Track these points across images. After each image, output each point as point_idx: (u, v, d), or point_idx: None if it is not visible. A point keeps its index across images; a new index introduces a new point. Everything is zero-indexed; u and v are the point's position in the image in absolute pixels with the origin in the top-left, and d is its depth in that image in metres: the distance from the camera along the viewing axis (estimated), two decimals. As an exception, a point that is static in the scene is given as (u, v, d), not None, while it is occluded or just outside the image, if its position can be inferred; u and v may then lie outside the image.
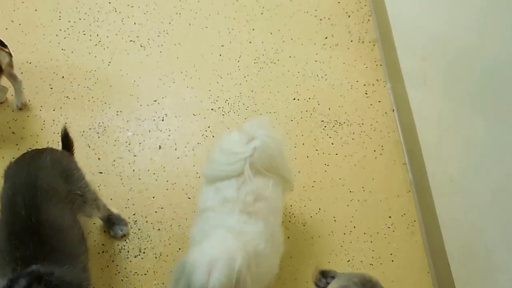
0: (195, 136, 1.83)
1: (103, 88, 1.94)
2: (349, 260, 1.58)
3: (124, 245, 1.57)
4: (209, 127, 1.85)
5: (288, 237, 1.61)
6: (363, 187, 1.73)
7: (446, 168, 1.48)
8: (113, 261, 1.54)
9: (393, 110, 1.92)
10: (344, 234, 1.63)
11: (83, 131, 1.81)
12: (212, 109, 1.90)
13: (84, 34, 2.10)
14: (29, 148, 1.75)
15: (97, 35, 2.09)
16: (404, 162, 1.79)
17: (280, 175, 1.28)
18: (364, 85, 1.99)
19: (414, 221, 1.65)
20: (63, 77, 1.97)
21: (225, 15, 2.18)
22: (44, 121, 1.84)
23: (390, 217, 1.67)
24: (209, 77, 1.99)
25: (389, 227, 1.64)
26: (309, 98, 1.94)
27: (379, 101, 1.94)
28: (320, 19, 2.19)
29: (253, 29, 2.14)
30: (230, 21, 2.16)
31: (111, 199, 1.65)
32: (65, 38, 2.08)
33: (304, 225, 1.64)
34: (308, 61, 2.05)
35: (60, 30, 2.10)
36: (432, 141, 1.60)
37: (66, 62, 2.01)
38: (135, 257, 1.55)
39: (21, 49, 2.03)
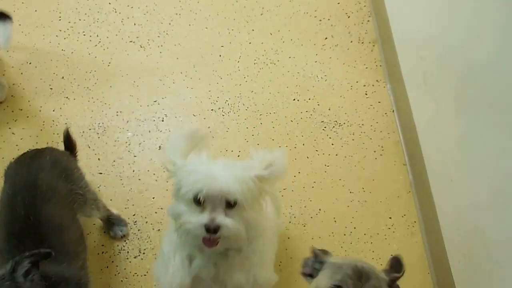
0: (195, 137, 1.82)
1: (103, 88, 1.94)
2: (349, 261, 1.57)
3: (124, 246, 1.57)
4: (209, 127, 1.85)
5: (289, 238, 1.60)
6: (363, 188, 1.73)
7: (447, 169, 1.48)
8: (112, 261, 1.54)
9: (393, 111, 1.92)
10: (344, 235, 1.63)
11: (83, 132, 1.81)
12: (212, 110, 1.90)
13: (84, 35, 2.10)
14: (29, 149, 1.74)
15: (97, 35, 2.09)
16: (404, 163, 1.78)
17: None
18: (364, 85, 1.99)
19: (415, 222, 1.65)
20: (63, 77, 1.96)
21: (225, 16, 2.18)
22: (43, 121, 1.84)
23: (390, 218, 1.66)
24: (209, 77, 1.99)
25: (389, 228, 1.64)
26: (309, 99, 1.94)
27: (379, 102, 1.94)
28: (320, 20, 2.19)
29: (253, 30, 2.14)
30: (230, 21, 2.16)
31: (111, 200, 1.65)
32: (65, 38, 2.08)
33: (304, 226, 1.63)
34: (308, 62, 2.05)
35: (60, 30, 2.11)
36: (433, 142, 1.60)
37: (66, 63, 2.01)
38: (135, 257, 1.55)
39: (21, 50, 2.03)
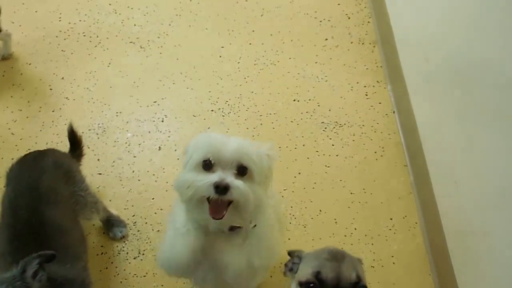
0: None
1: (103, 89, 1.94)
2: (350, 262, 1.56)
3: (123, 247, 1.56)
4: (209, 128, 1.84)
5: (289, 239, 1.59)
6: (364, 189, 1.72)
7: (450, 170, 1.47)
8: (112, 262, 1.53)
9: (394, 112, 1.91)
10: (345, 236, 1.62)
11: (83, 132, 1.80)
12: (212, 110, 1.89)
13: (84, 36, 2.10)
14: (28, 149, 1.74)
15: (97, 36, 2.09)
16: (405, 164, 1.78)
17: None
18: (365, 86, 1.98)
19: (416, 223, 1.64)
20: (62, 78, 1.96)
21: (225, 17, 2.18)
22: (43, 122, 1.83)
23: (391, 219, 1.65)
24: (209, 78, 1.98)
25: (390, 229, 1.63)
26: (309, 100, 1.94)
27: (380, 103, 1.94)
28: (320, 21, 2.19)
29: (253, 31, 2.14)
30: (230, 22, 2.16)
31: (110, 200, 1.64)
32: (65, 39, 2.08)
33: (305, 227, 1.62)
34: (308, 63, 2.05)
35: (60, 31, 2.10)
36: (436, 143, 1.59)
37: (66, 63, 2.00)
38: (134, 258, 1.54)
39: (21, 50, 2.03)
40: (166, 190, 1.68)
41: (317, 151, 1.80)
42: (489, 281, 1.25)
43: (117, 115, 1.86)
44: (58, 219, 1.18)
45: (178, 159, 1.65)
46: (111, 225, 1.55)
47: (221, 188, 0.90)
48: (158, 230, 1.59)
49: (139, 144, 1.79)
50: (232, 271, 1.04)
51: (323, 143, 1.82)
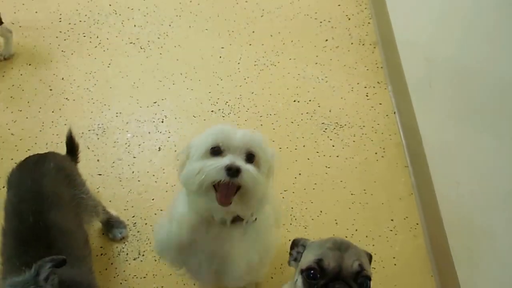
0: (195, 138, 1.81)
1: (103, 89, 1.93)
2: (350, 263, 1.55)
3: (123, 248, 1.55)
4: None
5: (290, 240, 1.58)
6: (364, 190, 1.71)
7: (452, 171, 1.47)
8: (112, 263, 1.52)
9: (395, 112, 1.91)
10: (346, 237, 1.60)
11: (82, 133, 1.80)
12: (212, 111, 1.89)
13: (84, 36, 2.09)
14: (28, 150, 1.74)
15: (97, 37, 2.09)
16: (406, 165, 1.77)
17: None
18: (365, 87, 1.98)
19: (417, 224, 1.63)
20: (62, 78, 1.96)
21: (225, 18, 2.18)
22: (43, 122, 1.83)
23: (392, 220, 1.65)
24: (209, 79, 1.98)
25: (391, 230, 1.62)
26: (310, 100, 1.93)
27: (380, 104, 1.94)
28: (320, 22, 2.19)
29: (253, 32, 2.14)
30: (230, 23, 2.16)
31: (110, 201, 1.64)
32: (65, 40, 2.08)
33: (305, 228, 1.62)
34: (308, 63, 2.04)
35: (60, 32, 2.10)
36: (437, 144, 1.59)
37: (66, 64, 2.00)
38: (134, 259, 1.53)
39: (21, 51, 2.03)
40: (166, 191, 1.67)
41: (317, 152, 1.80)
42: (491, 282, 1.25)
43: (117, 116, 1.86)
44: (63, 222, 1.19)
45: (178, 160, 1.65)
46: (110, 226, 1.55)
47: (233, 171, 0.90)
48: (158, 231, 1.59)
49: (139, 145, 1.79)
50: (231, 264, 1.04)
51: (323, 144, 1.82)
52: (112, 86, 1.94)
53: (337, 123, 1.87)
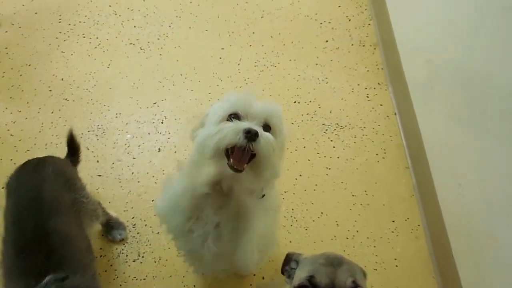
0: (195, 139, 1.81)
1: (103, 90, 1.92)
2: (351, 265, 1.55)
3: (122, 249, 1.54)
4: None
5: (290, 242, 1.58)
6: (365, 191, 1.70)
7: (454, 172, 1.46)
8: (111, 265, 1.51)
9: (395, 114, 1.90)
10: (347, 238, 1.60)
11: (82, 134, 1.79)
12: (212, 112, 1.88)
13: (84, 37, 2.09)
14: (27, 150, 1.73)
15: (97, 37, 2.09)
16: (407, 166, 1.76)
17: None
18: (366, 88, 1.98)
19: (418, 225, 1.63)
20: (62, 79, 1.95)
21: (225, 19, 2.17)
22: (42, 123, 1.82)
23: (393, 221, 1.64)
24: (209, 80, 1.97)
25: (392, 232, 1.62)
26: (310, 101, 1.93)
27: (381, 105, 1.93)
28: (321, 23, 2.18)
29: (253, 33, 2.13)
30: (230, 24, 2.16)
31: (109, 202, 1.63)
32: (65, 40, 2.07)
33: (306, 229, 1.61)
34: (308, 65, 2.04)
35: (60, 32, 2.10)
36: (439, 145, 1.58)
37: (66, 64, 1.99)
38: (134, 261, 1.52)
39: (21, 52, 2.02)
40: (166, 192, 1.66)
41: (318, 153, 1.79)
42: (494, 284, 1.24)
43: (116, 117, 1.85)
44: (64, 229, 1.16)
45: (178, 161, 1.64)
46: (110, 228, 1.54)
47: (252, 134, 0.88)
48: (158, 233, 1.58)
49: (139, 146, 1.78)
50: (243, 235, 1.02)
51: (324, 145, 1.81)
52: (111, 87, 1.94)
53: (337, 124, 1.87)
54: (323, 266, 0.86)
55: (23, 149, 1.73)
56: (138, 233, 1.57)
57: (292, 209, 1.65)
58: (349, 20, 2.20)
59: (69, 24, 2.12)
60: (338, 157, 1.78)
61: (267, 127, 0.95)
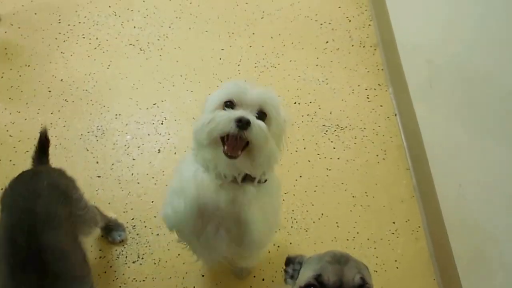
0: (195, 140, 1.80)
1: (102, 91, 1.92)
2: (352, 266, 1.54)
3: (122, 251, 1.53)
4: (209, 131, 1.83)
5: (290, 243, 1.57)
6: (366, 192, 1.70)
7: (454, 173, 1.45)
8: (111, 266, 1.50)
9: (396, 115, 1.90)
10: (347, 240, 1.60)
11: (82, 134, 1.79)
12: (212, 113, 1.87)
13: (84, 38, 2.08)
14: (27, 151, 1.73)
15: (97, 38, 2.08)
16: (408, 167, 1.76)
17: None
18: (366, 89, 1.97)
19: (419, 226, 1.62)
20: (62, 80, 1.94)
21: (225, 19, 2.17)
22: (41, 124, 1.81)
23: (394, 222, 1.63)
24: (209, 80, 1.97)
25: (393, 233, 1.61)
26: (310, 102, 1.92)
27: (381, 106, 1.93)
28: (321, 24, 2.18)
29: (253, 33, 2.13)
30: (230, 25, 2.15)
31: (109, 203, 1.62)
32: (64, 41, 2.07)
33: (306, 231, 1.60)
34: (308, 65, 2.04)
35: (60, 33, 2.09)
36: (439, 146, 1.58)
37: (65, 65, 1.99)
38: (133, 262, 1.51)
39: (21, 52, 2.02)
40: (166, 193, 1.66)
41: (318, 154, 1.78)
42: (495, 286, 1.23)
43: (116, 118, 1.85)
44: (58, 244, 1.14)
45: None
46: (109, 229, 1.53)
47: (243, 123, 0.89)
48: (158, 234, 1.57)
49: (139, 147, 1.77)
50: (250, 224, 1.02)
51: (324, 146, 1.81)
52: (111, 88, 1.93)
53: (338, 125, 1.86)
54: (329, 264, 0.85)
55: (22, 150, 1.73)
56: (137, 234, 1.57)
57: (292, 211, 1.65)
58: (349, 20, 2.20)
59: (69, 25, 2.12)
60: (338, 158, 1.78)
61: (262, 115, 0.96)
